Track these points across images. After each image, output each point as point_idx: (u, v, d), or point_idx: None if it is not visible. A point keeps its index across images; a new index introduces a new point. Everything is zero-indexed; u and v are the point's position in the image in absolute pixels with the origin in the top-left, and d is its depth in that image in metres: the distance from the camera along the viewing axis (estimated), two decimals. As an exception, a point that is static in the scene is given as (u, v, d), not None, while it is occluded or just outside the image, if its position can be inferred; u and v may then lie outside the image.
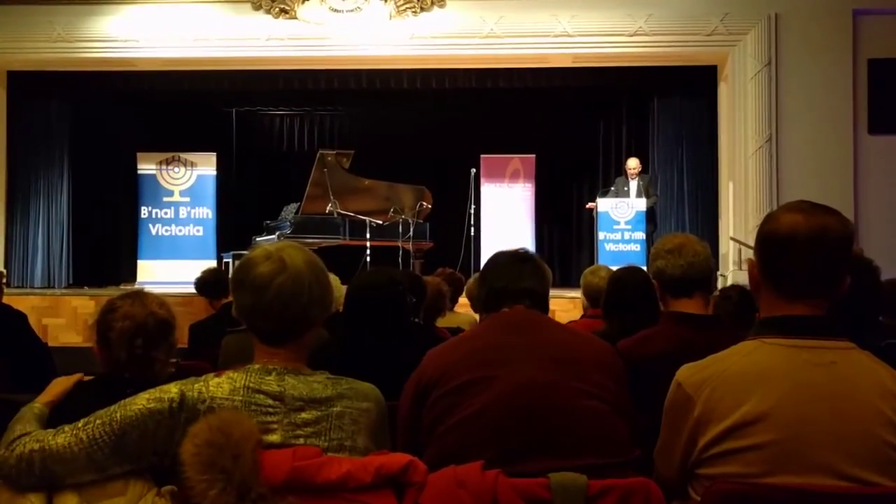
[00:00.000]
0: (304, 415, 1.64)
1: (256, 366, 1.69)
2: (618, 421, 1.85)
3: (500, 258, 2.22)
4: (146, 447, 1.61)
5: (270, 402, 1.64)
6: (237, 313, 1.74)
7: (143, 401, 1.64)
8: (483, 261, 9.12)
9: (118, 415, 1.63)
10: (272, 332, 1.71)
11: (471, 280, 4.96)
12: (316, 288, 1.70)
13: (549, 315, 2.21)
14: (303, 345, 1.74)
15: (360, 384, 1.76)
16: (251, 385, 1.65)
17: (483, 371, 1.87)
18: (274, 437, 1.61)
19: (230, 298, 1.81)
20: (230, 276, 1.80)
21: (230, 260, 9.32)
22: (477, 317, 4.54)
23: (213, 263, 9.35)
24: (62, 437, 1.63)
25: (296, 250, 1.74)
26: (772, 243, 1.66)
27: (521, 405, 1.80)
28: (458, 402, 1.85)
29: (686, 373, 1.70)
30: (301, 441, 1.62)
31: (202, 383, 1.66)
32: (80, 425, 1.64)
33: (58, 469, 1.62)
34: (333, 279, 3.63)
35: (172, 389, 1.64)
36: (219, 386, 1.64)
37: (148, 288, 2.26)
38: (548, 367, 1.86)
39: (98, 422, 1.63)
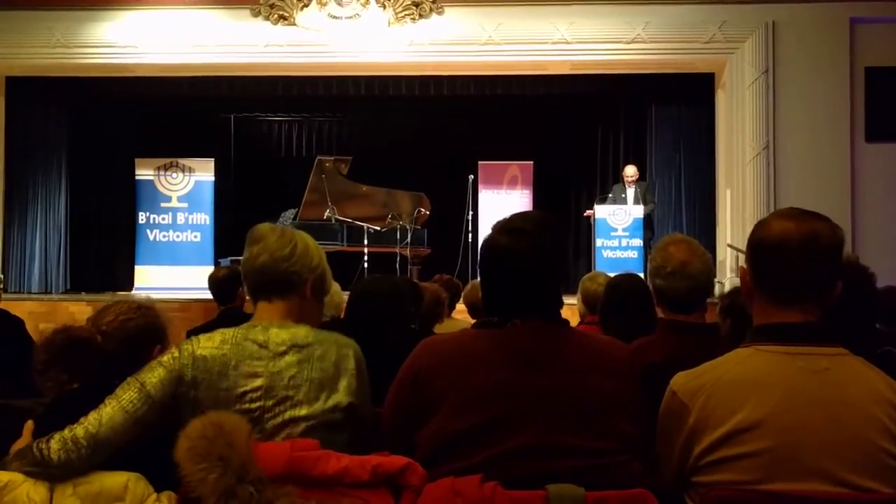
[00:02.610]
0: (287, 358, 1.79)
1: (246, 324, 1.88)
2: (635, 465, 1.70)
3: (497, 242, 1.82)
4: (166, 394, 1.77)
5: (256, 348, 1.80)
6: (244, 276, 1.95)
7: (148, 364, 1.83)
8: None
9: (133, 379, 1.79)
10: (258, 283, 1.90)
11: (468, 287, 4.96)
12: (298, 247, 1.91)
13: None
14: (293, 306, 1.90)
15: (341, 336, 1.91)
16: (239, 334, 1.83)
17: (491, 413, 1.67)
18: (260, 381, 1.77)
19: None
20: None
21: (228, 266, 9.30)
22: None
23: (210, 269, 9.34)
24: (94, 413, 1.74)
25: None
26: (763, 250, 1.67)
27: (529, 471, 1.63)
28: (459, 448, 1.68)
29: (681, 381, 1.70)
30: (284, 381, 1.76)
31: (194, 339, 1.85)
32: (103, 403, 1.76)
33: (107, 435, 1.71)
34: (334, 286, 3.63)
35: (171, 350, 1.86)
36: (209, 339, 1.83)
37: (135, 294, 2.35)
38: (564, 423, 1.66)
39: (118, 391, 1.77)
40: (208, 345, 1.80)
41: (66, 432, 1.70)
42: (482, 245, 1.87)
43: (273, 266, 1.88)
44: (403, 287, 3.07)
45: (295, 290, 1.90)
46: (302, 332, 1.85)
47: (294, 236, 1.92)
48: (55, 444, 1.69)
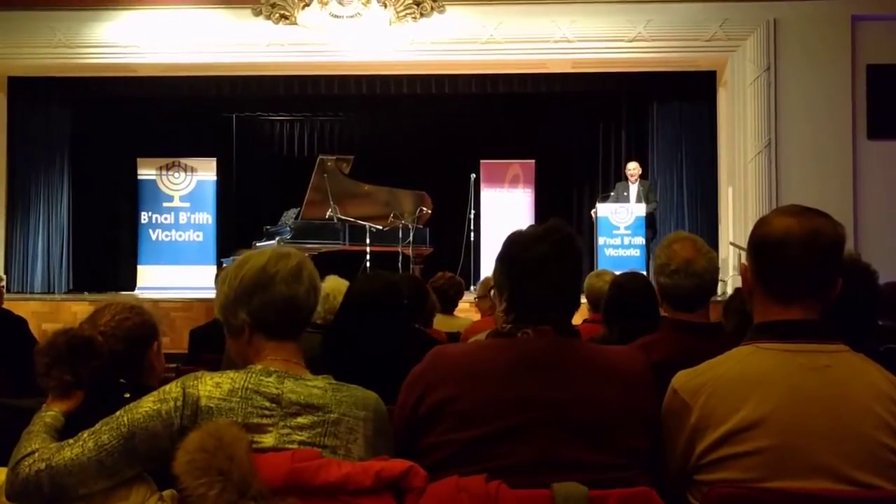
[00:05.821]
0: (299, 419, 1.64)
1: (258, 366, 1.71)
2: (642, 480, 1.66)
3: (524, 244, 1.81)
4: (155, 448, 1.61)
5: (267, 404, 1.64)
6: (256, 312, 1.74)
7: (148, 403, 1.64)
8: (483, 266, 9.01)
9: (125, 419, 1.63)
10: (297, 322, 1.77)
11: (480, 285, 4.97)
12: (314, 282, 1.80)
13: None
14: (300, 344, 1.79)
15: (361, 392, 1.74)
16: (250, 386, 1.66)
17: (497, 424, 1.65)
18: (268, 440, 1.61)
19: None
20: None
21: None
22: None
23: (213, 269, 9.36)
24: (68, 451, 1.63)
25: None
26: (764, 247, 1.67)
27: (534, 485, 1.59)
28: (463, 459, 1.66)
29: (682, 379, 1.70)
30: (295, 446, 1.62)
31: (201, 381, 1.66)
32: (85, 436, 1.64)
33: (69, 482, 1.61)
34: (342, 283, 3.57)
35: (174, 389, 1.65)
36: (218, 386, 1.65)
37: (130, 295, 2.34)
38: (572, 436, 1.64)
39: (105, 428, 1.64)
40: (216, 393, 1.63)
41: (33, 472, 1.63)
42: (508, 239, 1.85)
43: (298, 314, 1.76)
44: (400, 284, 2.99)
45: (307, 324, 1.80)
46: (317, 391, 1.68)
47: (306, 268, 1.78)
48: (17, 483, 1.64)
